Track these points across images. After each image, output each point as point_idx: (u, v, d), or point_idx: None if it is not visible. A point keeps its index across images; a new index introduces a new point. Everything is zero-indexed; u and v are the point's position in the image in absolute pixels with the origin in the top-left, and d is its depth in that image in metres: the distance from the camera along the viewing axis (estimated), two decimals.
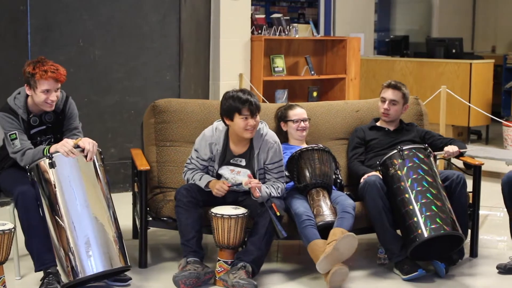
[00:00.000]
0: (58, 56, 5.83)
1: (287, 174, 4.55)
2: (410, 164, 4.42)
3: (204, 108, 4.92)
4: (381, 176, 4.52)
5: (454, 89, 8.21)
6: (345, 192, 4.65)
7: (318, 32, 8.86)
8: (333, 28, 10.33)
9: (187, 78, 6.84)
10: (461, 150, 4.70)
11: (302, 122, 4.84)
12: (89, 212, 3.99)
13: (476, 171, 4.74)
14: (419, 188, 4.32)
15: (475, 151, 7.19)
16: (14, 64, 5.76)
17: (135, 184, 4.71)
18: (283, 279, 4.39)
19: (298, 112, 4.87)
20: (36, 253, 4.01)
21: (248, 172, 4.36)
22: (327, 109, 5.18)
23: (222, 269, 4.22)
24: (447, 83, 8.14)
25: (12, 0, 5.88)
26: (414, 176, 4.37)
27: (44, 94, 4.14)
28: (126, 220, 4.90)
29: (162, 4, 6.58)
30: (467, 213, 4.64)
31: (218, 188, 4.28)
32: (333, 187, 4.60)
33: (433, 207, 4.24)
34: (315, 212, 4.35)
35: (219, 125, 4.42)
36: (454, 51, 9.29)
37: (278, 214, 4.20)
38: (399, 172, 4.42)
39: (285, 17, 7.93)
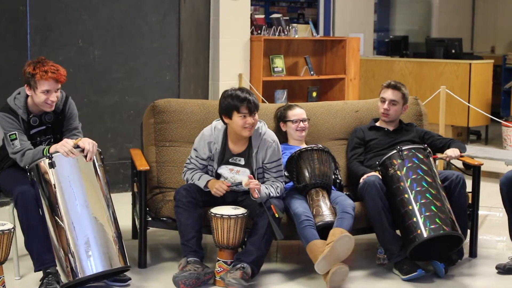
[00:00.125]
0: (58, 56, 5.83)
1: (286, 174, 4.55)
2: (409, 164, 4.43)
3: (204, 108, 4.92)
4: (380, 176, 4.52)
5: (454, 89, 8.22)
6: (345, 192, 4.65)
7: (317, 32, 8.86)
8: (333, 28, 10.34)
9: (186, 78, 6.85)
10: (462, 154, 4.70)
11: (301, 122, 4.84)
12: (88, 212, 3.99)
13: (475, 171, 4.74)
14: (418, 188, 4.32)
15: (475, 151, 7.19)
16: (13, 64, 5.77)
17: (135, 184, 4.72)
18: (283, 279, 4.39)
19: (298, 112, 4.87)
20: (36, 253, 4.01)
21: (247, 171, 4.36)
22: (326, 109, 5.18)
23: (222, 269, 4.22)
24: (446, 83, 8.14)
25: (12, 0, 5.88)
26: (413, 176, 4.37)
27: (44, 95, 4.14)
28: (125, 220, 4.90)
29: (161, 4, 6.58)
30: (467, 213, 4.64)
31: (217, 187, 4.28)
32: (333, 187, 4.60)
33: (433, 207, 4.25)
34: (314, 212, 4.35)
35: (218, 124, 4.43)
36: (453, 51, 9.30)
37: (276, 215, 4.20)
38: (398, 172, 4.43)
39: (284, 17, 7.93)
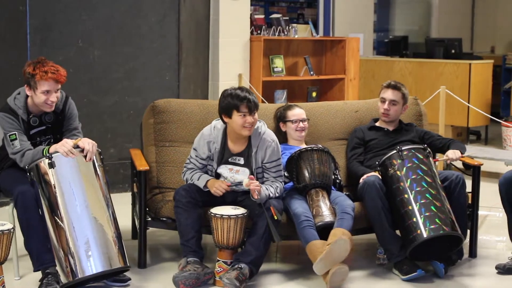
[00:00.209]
0: (58, 57, 5.83)
1: (286, 174, 4.55)
2: (409, 165, 4.43)
3: (203, 108, 4.92)
4: (380, 177, 4.52)
5: (453, 89, 8.21)
6: (344, 193, 4.65)
7: (317, 33, 8.86)
8: (332, 29, 10.33)
9: (186, 78, 6.85)
10: (463, 155, 4.70)
11: (301, 123, 4.84)
12: (88, 212, 3.99)
13: (475, 171, 4.74)
14: (418, 189, 4.32)
15: (474, 152, 7.19)
16: (13, 64, 5.76)
17: (134, 184, 4.72)
18: (282, 279, 4.39)
19: (297, 112, 4.87)
20: (35, 253, 4.01)
21: (246, 170, 4.36)
22: (326, 109, 5.18)
23: (222, 269, 4.22)
24: (446, 84, 8.14)
25: (12, 1, 5.88)
26: (413, 177, 4.37)
27: (44, 95, 4.14)
28: (125, 221, 4.89)
29: (161, 4, 6.58)
30: (466, 214, 4.64)
31: (217, 187, 4.28)
32: (332, 187, 4.60)
33: (432, 208, 4.25)
34: (314, 213, 4.35)
35: (217, 123, 4.43)
36: (453, 51, 9.30)
37: (275, 218, 4.20)
38: (398, 172, 4.43)
39: (284, 18, 7.93)
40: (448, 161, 4.67)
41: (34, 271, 4.05)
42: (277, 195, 4.35)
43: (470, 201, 4.72)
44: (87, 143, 4.08)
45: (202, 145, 4.40)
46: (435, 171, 4.50)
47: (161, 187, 4.75)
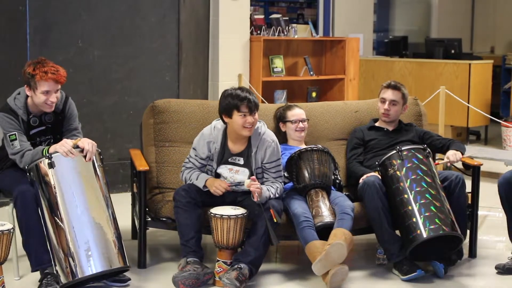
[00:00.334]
0: (57, 57, 5.82)
1: (286, 174, 4.55)
2: (409, 165, 4.43)
3: (203, 108, 4.92)
4: (380, 177, 4.52)
5: (453, 89, 8.21)
6: (344, 193, 4.65)
7: (317, 33, 8.86)
8: (332, 29, 10.34)
9: (186, 78, 6.84)
10: (464, 157, 4.70)
11: (300, 123, 4.84)
12: (88, 213, 3.99)
13: (475, 171, 4.74)
14: (418, 189, 4.32)
15: (474, 152, 7.19)
16: (13, 64, 5.76)
17: (134, 184, 4.71)
18: (282, 280, 4.39)
19: (297, 112, 4.87)
20: (34, 253, 4.01)
21: (246, 171, 4.36)
22: (326, 109, 5.18)
23: (221, 270, 4.22)
24: (446, 84, 8.14)
25: (11, 1, 5.88)
26: (413, 177, 4.37)
27: (44, 95, 4.14)
28: (125, 221, 4.89)
29: (161, 4, 6.58)
30: (466, 214, 4.64)
31: (217, 186, 4.28)
32: (332, 188, 4.60)
33: (432, 208, 4.25)
34: (314, 213, 4.35)
35: (217, 123, 4.43)
36: (453, 51, 9.30)
37: (275, 220, 4.19)
38: (398, 172, 4.43)
39: (284, 18, 7.93)
40: (449, 164, 4.67)
41: (32, 271, 4.05)
42: (277, 195, 4.35)
43: (470, 201, 4.72)
44: (87, 143, 4.08)
45: (202, 145, 4.40)
46: (435, 171, 4.50)
47: (161, 187, 4.75)
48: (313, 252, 4.17)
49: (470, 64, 8.88)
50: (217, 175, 4.42)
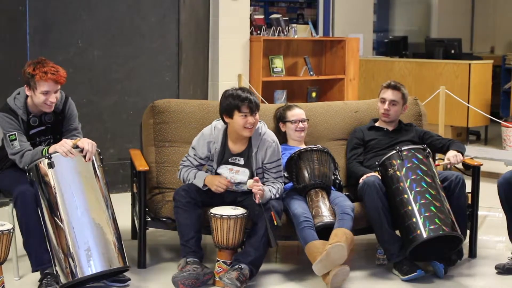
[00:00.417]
0: (57, 57, 5.82)
1: (286, 175, 4.55)
2: (409, 165, 4.42)
3: (203, 108, 4.91)
4: (380, 177, 4.52)
5: (453, 89, 8.21)
6: (344, 193, 4.65)
7: (317, 33, 8.86)
8: (332, 29, 10.34)
9: (186, 78, 6.84)
10: (465, 158, 4.70)
11: (300, 123, 4.84)
12: (88, 213, 3.98)
13: (475, 171, 4.74)
14: (418, 189, 4.32)
15: (474, 152, 7.19)
16: (13, 64, 5.76)
17: (134, 184, 4.71)
18: (282, 279, 4.39)
19: (297, 112, 4.87)
20: (34, 254, 4.01)
21: (246, 171, 4.36)
22: (326, 109, 5.18)
23: (221, 270, 4.22)
24: (446, 84, 8.14)
25: (11, 1, 5.88)
26: (413, 177, 4.37)
27: (43, 95, 4.14)
28: (125, 221, 4.90)
29: (161, 4, 6.58)
30: (466, 214, 4.64)
31: (218, 184, 4.27)
32: (332, 188, 4.60)
33: (432, 208, 4.25)
34: (314, 213, 4.35)
35: (218, 124, 4.42)
36: (453, 51, 9.30)
37: (275, 223, 4.19)
38: (398, 172, 4.42)
39: (284, 18, 7.93)
40: (449, 165, 4.66)
41: (33, 271, 4.05)
42: (277, 196, 4.35)
43: (469, 201, 4.72)
44: (87, 143, 4.08)
45: (202, 145, 4.40)
46: (435, 171, 4.50)
47: (161, 187, 4.75)
48: (313, 252, 4.17)
49: (470, 64, 8.88)
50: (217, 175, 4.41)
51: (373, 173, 4.58)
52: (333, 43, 8.24)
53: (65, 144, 4.05)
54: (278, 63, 7.75)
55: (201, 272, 4.14)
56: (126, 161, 6.02)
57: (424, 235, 4.18)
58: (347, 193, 4.65)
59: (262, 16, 8.25)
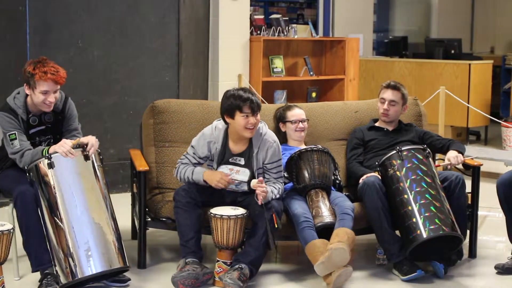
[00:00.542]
0: (57, 57, 5.81)
1: (286, 175, 4.55)
2: (409, 165, 4.42)
3: (203, 108, 4.91)
4: (380, 177, 4.52)
5: (453, 89, 8.21)
6: (344, 193, 4.65)
7: (317, 33, 8.86)
8: (332, 29, 10.33)
9: (186, 78, 6.84)
10: (466, 159, 4.69)
11: (300, 123, 4.84)
12: (87, 213, 3.99)
13: (475, 171, 4.74)
14: (418, 189, 4.32)
15: (474, 152, 7.18)
16: (13, 64, 5.76)
17: (134, 184, 4.71)
18: (282, 280, 4.39)
19: (297, 113, 4.87)
20: (34, 254, 4.01)
21: (247, 171, 4.36)
22: (326, 109, 5.18)
23: (221, 270, 4.22)
24: (446, 84, 8.14)
25: (11, 1, 5.88)
26: (413, 177, 4.37)
27: (43, 95, 4.14)
28: (125, 221, 4.90)
29: (161, 4, 6.58)
30: (466, 214, 4.64)
31: (219, 181, 4.26)
32: (332, 188, 4.60)
33: (432, 208, 4.25)
34: (314, 213, 4.35)
35: (218, 124, 4.42)
36: (453, 51, 9.30)
37: (276, 226, 4.19)
38: (398, 172, 4.42)
39: (284, 18, 7.93)
40: (449, 167, 4.65)
41: (33, 271, 4.05)
42: (277, 196, 4.35)
43: (469, 202, 4.72)
44: (91, 138, 4.10)
45: (202, 145, 4.40)
46: (435, 171, 4.50)
47: (161, 187, 4.75)
48: (313, 252, 4.17)
49: (470, 64, 8.88)
50: None
51: (373, 173, 4.58)
52: (333, 43, 8.24)
53: (65, 144, 4.05)
54: (278, 63, 7.75)
55: (201, 272, 4.14)
56: (126, 161, 6.02)
57: (424, 235, 4.18)
58: (347, 193, 4.65)
59: (262, 16, 8.25)
